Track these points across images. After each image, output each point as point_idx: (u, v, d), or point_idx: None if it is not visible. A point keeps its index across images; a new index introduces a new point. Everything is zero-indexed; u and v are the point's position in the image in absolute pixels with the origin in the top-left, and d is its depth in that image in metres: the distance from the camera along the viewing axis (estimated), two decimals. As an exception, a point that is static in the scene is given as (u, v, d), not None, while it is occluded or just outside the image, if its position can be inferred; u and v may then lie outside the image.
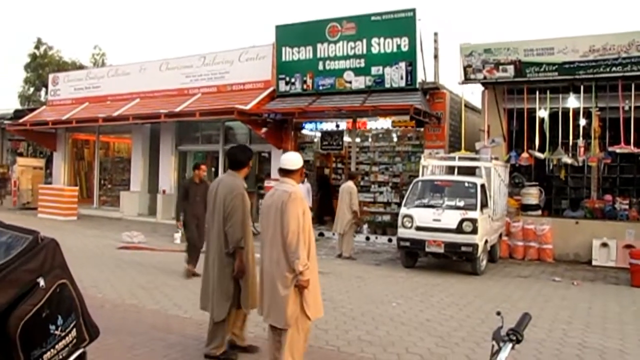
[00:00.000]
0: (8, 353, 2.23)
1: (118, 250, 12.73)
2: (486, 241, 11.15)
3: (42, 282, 2.33)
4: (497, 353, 2.42)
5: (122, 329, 6.32)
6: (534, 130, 13.59)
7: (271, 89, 17.32)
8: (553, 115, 13.54)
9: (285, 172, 4.89)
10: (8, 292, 2.23)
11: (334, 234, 14.66)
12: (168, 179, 19.96)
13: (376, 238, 15.38)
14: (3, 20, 65.62)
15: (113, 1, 66.98)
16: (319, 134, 17.17)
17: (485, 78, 13.73)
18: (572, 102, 13.34)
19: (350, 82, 15.86)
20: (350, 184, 12.94)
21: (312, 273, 4.59)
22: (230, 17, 68.92)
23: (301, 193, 4.70)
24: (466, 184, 11.62)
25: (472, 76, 13.83)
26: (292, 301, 4.54)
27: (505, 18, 57.34)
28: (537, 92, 13.49)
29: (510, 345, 2.43)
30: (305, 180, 14.25)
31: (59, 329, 2.41)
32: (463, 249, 10.67)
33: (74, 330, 2.50)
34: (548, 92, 13.42)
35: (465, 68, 13.82)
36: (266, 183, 16.59)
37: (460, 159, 12.93)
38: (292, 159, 4.96)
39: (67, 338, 2.46)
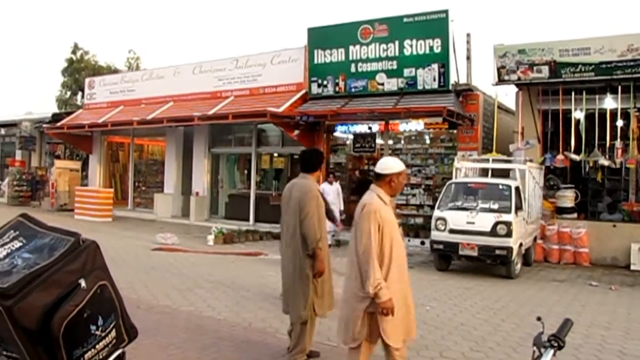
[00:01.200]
0: (52, 351, 2.28)
1: (152, 251, 12.90)
2: (521, 244, 11.01)
3: (83, 283, 2.38)
4: (538, 359, 2.39)
5: (157, 329, 6.40)
6: (570, 131, 13.38)
7: (303, 91, 17.38)
8: (589, 117, 13.32)
9: (375, 177, 4.33)
10: (52, 292, 2.28)
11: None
12: (201, 181, 20.15)
13: (409, 240, 15.24)
14: (42, 26, 67.11)
15: (147, 6, 67.98)
16: (351, 136, 17.12)
17: (519, 79, 13.56)
18: (609, 102, 13.11)
19: (382, 84, 15.82)
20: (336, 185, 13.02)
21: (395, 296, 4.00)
22: (263, 20, 69.35)
23: (379, 204, 4.09)
24: (500, 187, 11.49)
25: (506, 77, 13.67)
26: (360, 322, 4.08)
27: (538, 18, 56.57)
28: (573, 93, 13.28)
29: (552, 351, 2.39)
30: (335, 181, 14.23)
31: (100, 329, 2.45)
32: (497, 252, 10.55)
33: (114, 330, 2.55)
34: (584, 92, 13.22)
35: (499, 69, 13.68)
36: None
37: (494, 161, 12.78)
38: (383, 163, 4.32)
39: (107, 338, 2.51)
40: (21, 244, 2.48)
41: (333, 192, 13.80)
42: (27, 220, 2.61)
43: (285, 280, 5.50)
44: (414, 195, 16.14)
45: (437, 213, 11.40)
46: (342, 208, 14.16)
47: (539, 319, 2.63)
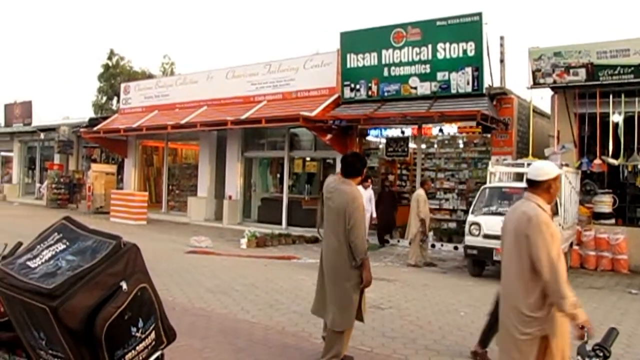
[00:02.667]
0: (95, 352, 2.32)
1: (186, 254, 13.01)
2: (557, 250, 10.81)
3: (124, 285, 2.41)
4: None
5: (193, 332, 6.46)
6: (607, 135, 13.14)
7: (336, 95, 17.39)
8: (628, 120, 13.07)
9: (529, 185, 3.91)
10: (94, 294, 2.32)
11: (398, 241, 14.58)
12: (234, 184, 20.32)
13: (442, 245, 15.19)
14: (79, 33, 68.45)
15: (182, 12, 68.86)
16: (384, 140, 17.12)
17: (555, 82, 13.38)
18: (649, 105, 12.84)
19: (415, 88, 15.75)
20: (419, 191, 12.81)
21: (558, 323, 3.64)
22: (296, 24, 69.66)
23: (546, 215, 3.71)
24: (536, 191, 11.31)
25: (542, 80, 13.50)
26: (529, 349, 3.67)
27: (574, 20, 55.71)
28: (611, 96, 13.04)
29: None
30: (369, 186, 14.11)
31: (140, 331, 2.49)
32: (533, 258, 10.37)
33: (153, 332, 2.58)
34: (623, 95, 12.95)
35: (534, 72, 13.52)
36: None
37: (529, 165, 12.60)
38: (539, 169, 3.90)
39: (146, 340, 2.54)
40: (65, 246, 2.53)
41: (366, 197, 13.71)
42: (70, 223, 2.66)
43: (323, 285, 5.40)
44: (447, 199, 16.04)
45: (471, 218, 11.30)
46: (374, 215, 14.09)
47: (582, 327, 2.58)
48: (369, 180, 14.34)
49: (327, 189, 5.48)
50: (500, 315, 3.95)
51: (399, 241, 15.54)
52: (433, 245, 15.12)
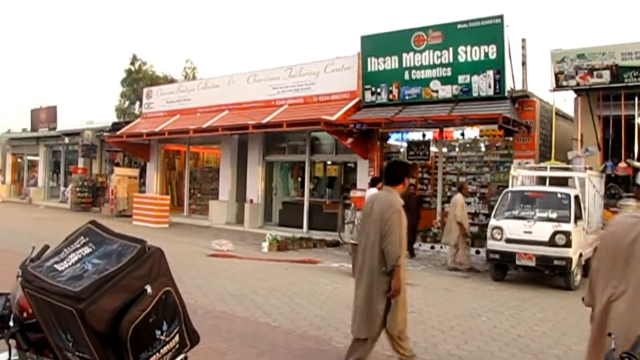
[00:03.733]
0: (120, 354, 2.36)
1: (208, 257, 13.08)
2: (580, 255, 10.73)
3: (149, 289, 2.44)
4: None
5: (214, 335, 6.50)
6: (633, 138, 12.97)
7: (357, 99, 17.42)
8: (654, 123, 12.89)
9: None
10: (119, 297, 2.35)
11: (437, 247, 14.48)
12: (255, 188, 20.42)
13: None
14: (102, 39, 69.29)
15: (204, 17, 69.39)
16: (405, 144, 17.09)
17: (578, 84, 13.26)
18: (676, 107, 12.66)
19: (436, 92, 15.70)
20: (458, 196, 12.74)
21: None
22: (317, 28, 69.81)
23: None
24: (559, 195, 11.23)
25: (564, 83, 13.39)
26: None
27: (597, 22, 55.11)
28: (636, 98, 12.88)
29: None
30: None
31: (164, 334, 2.51)
32: (556, 262, 10.30)
33: (177, 335, 2.60)
34: (648, 97, 12.80)
35: (556, 75, 13.41)
36: (352, 193, 16.59)
37: (551, 169, 12.51)
38: None
39: (170, 343, 2.57)
40: (91, 249, 2.57)
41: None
42: (96, 227, 2.70)
43: (357, 297, 5.28)
44: (469, 203, 15.81)
45: (493, 222, 11.22)
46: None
47: (609, 334, 2.53)
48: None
49: (369, 198, 5.52)
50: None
51: (420, 245, 15.46)
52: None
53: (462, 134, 15.69)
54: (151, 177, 24.96)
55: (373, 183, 13.58)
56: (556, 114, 14.45)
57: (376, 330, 5.10)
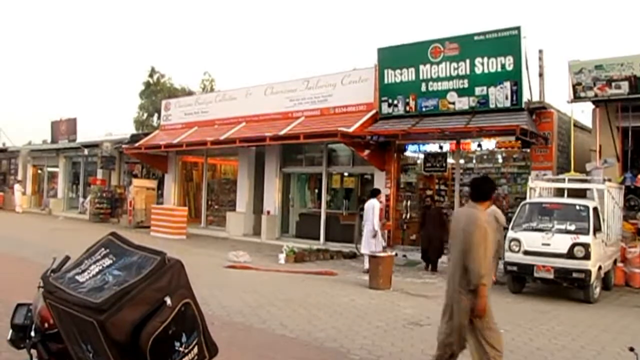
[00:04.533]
0: (140, 365, 2.38)
1: (225, 269, 13.13)
2: (600, 267, 10.61)
3: (168, 300, 2.47)
4: None
5: (232, 346, 6.51)
6: (652, 150, 12.86)
7: (374, 111, 17.40)
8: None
9: None
10: (139, 308, 2.38)
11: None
12: (272, 200, 20.46)
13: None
14: (121, 51, 70.10)
15: (222, 30, 69.95)
16: (422, 156, 17.05)
17: (596, 96, 13.19)
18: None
19: (453, 103, 15.67)
20: (493, 208, 12.63)
21: None
22: (333, 40, 70.07)
23: None
24: (577, 207, 11.14)
25: (582, 94, 13.32)
26: None
27: (615, 32, 54.72)
28: (655, 109, 12.77)
29: None
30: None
31: (183, 345, 2.54)
32: (575, 275, 10.21)
33: (196, 347, 2.63)
34: (668, 108, 12.69)
35: (574, 86, 13.34)
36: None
37: (570, 180, 12.41)
38: None
39: (190, 354, 2.59)
40: (111, 261, 2.61)
41: (368, 206, 13.22)
42: (116, 239, 2.74)
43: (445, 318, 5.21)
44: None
45: (511, 234, 11.16)
46: (376, 227, 12.99)
47: (631, 349, 2.51)
48: (379, 196, 13.73)
49: (455, 215, 5.53)
50: None
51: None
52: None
53: (479, 146, 15.61)
54: (169, 189, 25.10)
55: (373, 194, 13.64)
56: (574, 125, 14.35)
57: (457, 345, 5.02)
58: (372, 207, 13.10)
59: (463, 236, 4.95)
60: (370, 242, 12.78)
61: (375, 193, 13.63)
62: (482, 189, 5.26)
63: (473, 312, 4.89)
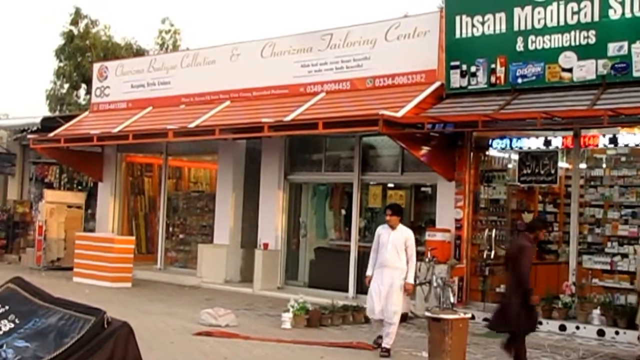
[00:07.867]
0: None
1: (195, 336, 13.12)
2: None
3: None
4: None
5: None
6: None
7: (437, 84, 17.34)
8: None
9: None
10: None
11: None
12: (272, 226, 20.48)
13: (616, 333, 14.68)
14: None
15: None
16: (515, 157, 16.97)
17: None
18: None
19: (570, 70, 15.51)
20: None
21: None
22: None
23: None
24: None
25: None
26: None
27: None
28: None
29: None
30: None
31: None
32: None
33: None
34: None
35: None
36: (428, 236, 16.41)
37: None
38: None
39: None
40: (13, 324, 2.52)
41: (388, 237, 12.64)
42: (22, 289, 2.62)
43: None
44: (624, 256, 15.51)
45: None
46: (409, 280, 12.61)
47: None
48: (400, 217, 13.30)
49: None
50: None
51: (540, 323, 15.04)
52: (601, 332, 14.61)
53: (614, 141, 15.41)
54: (105, 207, 25.21)
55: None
56: None
57: None
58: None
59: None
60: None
61: (398, 211, 12.97)
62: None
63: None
